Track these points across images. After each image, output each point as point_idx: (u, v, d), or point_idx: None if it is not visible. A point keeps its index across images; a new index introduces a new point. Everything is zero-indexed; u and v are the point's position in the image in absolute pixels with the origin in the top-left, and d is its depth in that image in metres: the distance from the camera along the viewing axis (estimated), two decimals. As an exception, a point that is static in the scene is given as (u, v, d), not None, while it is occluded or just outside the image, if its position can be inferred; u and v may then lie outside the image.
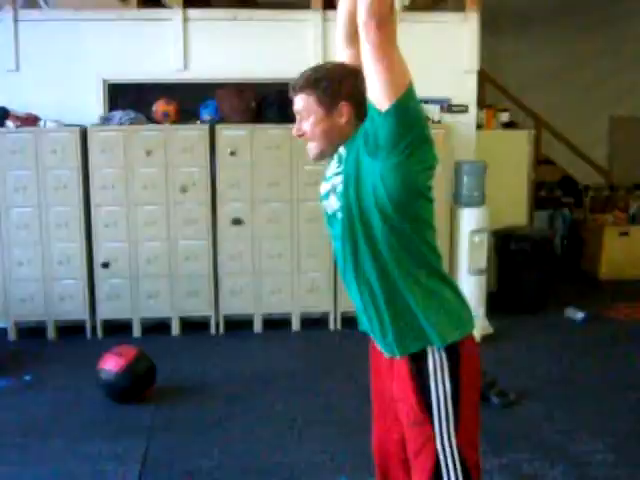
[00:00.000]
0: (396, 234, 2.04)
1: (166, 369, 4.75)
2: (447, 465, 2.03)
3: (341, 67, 2.17)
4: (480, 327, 5.54)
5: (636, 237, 7.68)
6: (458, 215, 5.76)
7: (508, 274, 6.42)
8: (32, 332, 5.77)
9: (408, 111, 1.93)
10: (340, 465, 3.37)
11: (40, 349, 5.52)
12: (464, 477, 2.03)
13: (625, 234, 7.67)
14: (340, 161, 2.13)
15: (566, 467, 3.54)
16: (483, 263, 5.80)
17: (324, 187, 2.20)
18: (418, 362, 2.06)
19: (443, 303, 2.10)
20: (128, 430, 4.01)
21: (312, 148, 2.16)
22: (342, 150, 2.13)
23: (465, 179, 5.70)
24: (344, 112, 2.09)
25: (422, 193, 2.07)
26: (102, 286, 5.73)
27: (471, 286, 5.72)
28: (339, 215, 2.12)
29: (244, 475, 3.50)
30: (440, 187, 5.74)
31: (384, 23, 1.88)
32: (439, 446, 2.03)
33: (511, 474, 3.48)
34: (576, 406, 4.33)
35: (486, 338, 5.50)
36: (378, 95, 1.92)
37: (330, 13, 5.85)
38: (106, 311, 5.76)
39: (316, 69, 2.16)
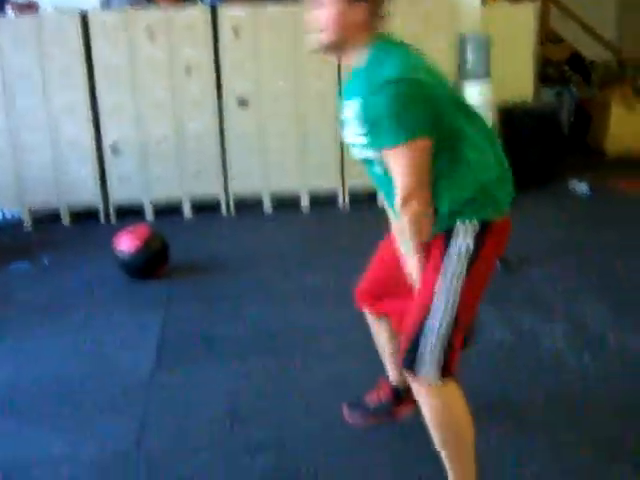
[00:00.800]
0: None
1: (179, 248, 4.86)
2: (441, 304, 2.12)
3: None
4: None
5: (643, 111, 7.65)
6: (462, 88, 5.76)
7: (513, 148, 6.40)
8: (47, 219, 5.91)
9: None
10: (351, 326, 3.51)
11: (56, 235, 5.67)
12: (452, 319, 2.12)
13: (632, 109, 7.63)
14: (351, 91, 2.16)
15: (566, 325, 3.68)
16: (488, 138, 5.82)
17: (345, 111, 2.20)
18: (451, 228, 2.15)
19: (482, 186, 2.16)
20: (146, 303, 4.18)
21: (319, 40, 2.12)
22: (356, 80, 2.15)
23: (469, 52, 5.68)
24: (361, 12, 2.07)
25: (445, 117, 2.09)
26: (112, 171, 5.82)
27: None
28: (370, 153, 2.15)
29: (256, 339, 3.67)
30: (444, 61, 5.78)
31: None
32: (443, 287, 2.12)
33: (512, 329, 3.63)
34: (579, 271, 4.45)
35: (492, 212, 5.59)
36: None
37: None
38: (118, 195, 5.87)
39: None
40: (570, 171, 6.65)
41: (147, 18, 5.59)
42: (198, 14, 5.61)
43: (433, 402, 2.19)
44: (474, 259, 2.13)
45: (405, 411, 2.80)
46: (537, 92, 7.21)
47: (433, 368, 2.13)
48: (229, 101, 5.72)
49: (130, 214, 5.86)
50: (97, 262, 4.85)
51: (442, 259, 2.13)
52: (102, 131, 5.73)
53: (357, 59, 2.14)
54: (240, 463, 2.64)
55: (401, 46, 2.15)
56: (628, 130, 7.53)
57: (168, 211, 5.95)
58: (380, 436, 2.76)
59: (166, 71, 5.66)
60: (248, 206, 5.98)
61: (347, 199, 5.95)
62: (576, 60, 9.16)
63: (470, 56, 5.70)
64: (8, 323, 3.99)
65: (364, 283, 2.61)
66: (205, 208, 5.99)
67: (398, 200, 2.07)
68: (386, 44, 2.13)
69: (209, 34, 5.62)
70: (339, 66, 5.56)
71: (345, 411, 2.89)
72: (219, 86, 5.70)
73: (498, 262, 4.41)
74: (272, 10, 5.62)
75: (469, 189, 2.13)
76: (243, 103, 5.69)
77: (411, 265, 2.19)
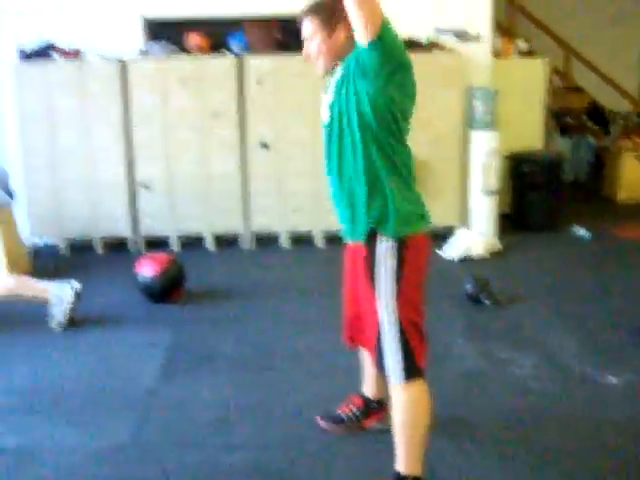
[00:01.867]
0: (374, 141, 2.49)
1: (198, 278, 5.33)
2: (388, 324, 2.55)
3: None
4: (488, 244, 6.00)
5: (655, 161, 7.93)
6: (470, 138, 6.15)
7: (520, 195, 6.79)
8: (83, 248, 6.40)
9: (386, 44, 2.35)
10: (339, 351, 3.88)
11: (88, 262, 6.16)
12: (400, 332, 2.54)
13: (643, 158, 7.93)
14: (334, 77, 2.59)
15: (536, 356, 4.01)
16: (494, 184, 6.18)
17: (324, 100, 2.65)
18: (373, 245, 2.56)
19: (403, 202, 2.57)
20: (159, 323, 4.63)
21: (319, 66, 2.61)
22: (337, 69, 2.58)
23: (476, 103, 6.07)
24: (342, 31, 2.52)
25: (399, 113, 2.50)
26: (143, 206, 6.32)
27: (482, 206, 6.15)
28: (328, 121, 2.60)
29: (255, 357, 4.08)
30: (454, 112, 6.18)
31: None
32: (381, 311, 2.55)
33: (486, 359, 3.97)
34: (559, 309, 4.76)
35: (493, 254, 5.96)
36: (360, 34, 2.35)
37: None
38: (147, 228, 6.37)
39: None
40: (577, 217, 6.95)
41: (180, 66, 6.13)
42: (226, 64, 6.13)
43: (400, 396, 2.61)
44: (400, 274, 2.54)
45: (373, 422, 3.20)
46: (547, 141, 7.56)
47: (397, 370, 2.57)
48: (252, 144, 6.20)
49: (158, 245, 6.33)
50: (122, 287, 5.30)
51: (372, 277, 2.56)
52: (134, 169, 6.25)
53: None
54: (220, 460, 3.03)
55: None
56: (639, 179, 7.82)
57: (193, 244, 6.42)
58: (350, 446, 3.12)
59: (196, 115, 6.17)
60: (267, 241, 6.42)
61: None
62: (596, 110, 9.49)
63: (477, 107, 6.10)
64: (34, 334, 4.48)
65: (344, 325, 3.00)
66: (227, 242, 6.44)
67: None
68: None
69: (236, 82, 6.13)
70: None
71: (319, 420, 3.28)
72: (243, 130, 6.19)
73: (487, 299, 4.77)
74: (293, 61, 6.11)
75: (400, 196, 2.54)
76: (265, 146, 6.17)
77: None
